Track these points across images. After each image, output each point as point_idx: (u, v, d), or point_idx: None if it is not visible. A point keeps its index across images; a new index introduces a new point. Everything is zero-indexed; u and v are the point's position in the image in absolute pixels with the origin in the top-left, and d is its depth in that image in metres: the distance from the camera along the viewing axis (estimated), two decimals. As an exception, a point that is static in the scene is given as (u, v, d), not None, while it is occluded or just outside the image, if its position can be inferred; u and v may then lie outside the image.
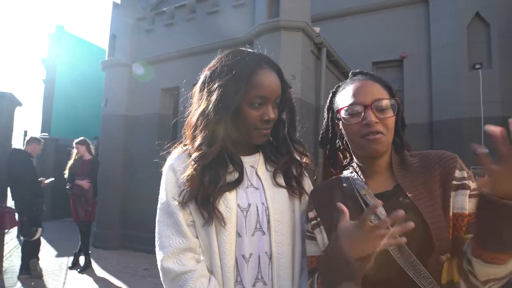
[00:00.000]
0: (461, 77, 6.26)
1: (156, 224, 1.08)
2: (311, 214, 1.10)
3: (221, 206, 1.04)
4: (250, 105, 1.06)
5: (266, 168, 1.18)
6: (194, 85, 1.19)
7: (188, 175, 1.04)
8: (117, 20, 7.72)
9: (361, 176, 1.07)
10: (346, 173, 1.14)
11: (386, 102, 1.00)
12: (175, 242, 1.02)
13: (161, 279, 1.06)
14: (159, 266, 1.05)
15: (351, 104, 1.02)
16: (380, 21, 7.36)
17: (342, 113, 1.05)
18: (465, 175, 0.94)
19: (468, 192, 0.92)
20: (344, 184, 1.10)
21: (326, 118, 1.21)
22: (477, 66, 6.13)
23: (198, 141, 1.08)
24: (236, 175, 1.10)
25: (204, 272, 1.03)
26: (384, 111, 1.00)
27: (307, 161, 1.26)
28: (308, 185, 1.24)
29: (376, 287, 0.95)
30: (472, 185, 0.93)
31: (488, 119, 5.92)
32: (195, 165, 1.05)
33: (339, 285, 0.86)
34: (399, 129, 1.08)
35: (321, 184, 1.19)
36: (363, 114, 0.99)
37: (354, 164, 1.12)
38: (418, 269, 0.88)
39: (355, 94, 1.03)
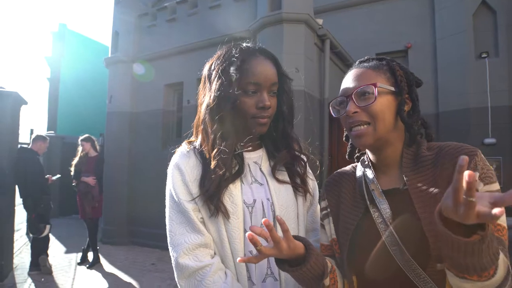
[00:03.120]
0: (467, 67, 6.18)
1: (167, 223, 1.08)
2: (323, 204, 1.11)
3: (227, 202, 1.04)
4: (245, 92, 1.07)
5: (270, 164, 1.18)
6: (198, 80, 1.20)
7: (213, 171, 1.04)
8: (119, 17, 7.71)
9: (372, 170, 1.03)
10: (361, 161, 1.11)
11: (366, 89, 0.94)
12: (190, 239, 1.02)
13: (176, 276, 1.04)
14: (173, 264, 1.03)
15: (336, 98, 1.03)
16: (384, 11, 7.27)
17: (332, 109, 1.05)
18: (477, 177, 0.84)
19: None
20: (357, 176, 1.08)
21: None
22: (484, 55, 6.05)
23: (212, 136, 1.08)
24: (237, 167, 1.10)
25: (220, 265, 1.03)
26: (367, 98, 0.94)
27: (304, 158, 1.25)
28: (312, 180, 1.25)
29: (377, 286, 0.94)
30: (483, 188, 0.83)
31: (495, 109, 5.87)
32: (219, 162, 1.04)
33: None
34: (402, 114, 0.95)
35: (336, 173, 1.17)
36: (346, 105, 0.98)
37: (366, 157, 1.08)
38: (417, 272, 0.86)
39: (342, 86, 1.02)
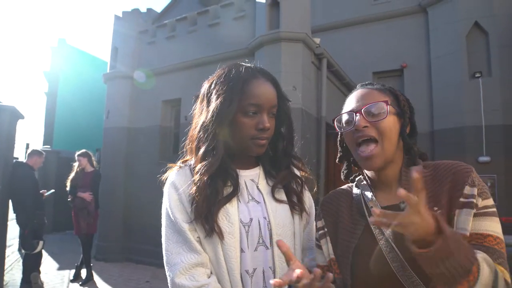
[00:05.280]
0: (461, 86, 6.28)
1: (164, 242, 1.07)
2: (320, 224, 1.10)
3: (223, 221, 1.04)
4: (244, 114, 1.07)
5: (267, 182, 1.18)
6: (195, 97, 1.20)
7: (196, 188, 1.04)
8: (119, 33, 7.79)
9: (371, 187, 1.04)
10: (357, 181, 1.11)
11: (377, 106, 0.97)
12: (187, 258, 1.01)
13: None
14: (169, 284, 1.03)
15: (342, 114, 1.04)
16: (380, 31, 7.43)
17: (336, 124, 1.06)
18: (475, 192, 0.87)
19: (473, 211, 0.86)
20: (354, 194, 1.08)
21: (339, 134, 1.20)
22: (477, 75, 6.15)
23: (202, 152, 1.09)
24: (232, 187, 1.10)
25: (217, 285, 1.02)
26: (376, 115, 0.97)
27: (306, 175, 1.26)
28: (308, 198, 1.25)
29: None
30: (481, 203, 0.86)
31: (489, 128, 5.93)
32: (202, 176, 1.04)
33: None
34: (404, 135, 1.00)
35: (332, 192, 1.17)
36: (354, 120, 0.99)
37: (364, 174, 1.09)
38: None
39: (349, 104, 1.04)
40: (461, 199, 0.87)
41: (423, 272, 0.85)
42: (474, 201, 0.86)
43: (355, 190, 1.09)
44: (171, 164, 1.20)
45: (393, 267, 0.89)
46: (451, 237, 0.70)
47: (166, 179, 1.16)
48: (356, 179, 1.13)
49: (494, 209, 0.87)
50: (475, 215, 0.85)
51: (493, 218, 0.86)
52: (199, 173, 1.05)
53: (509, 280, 0.79)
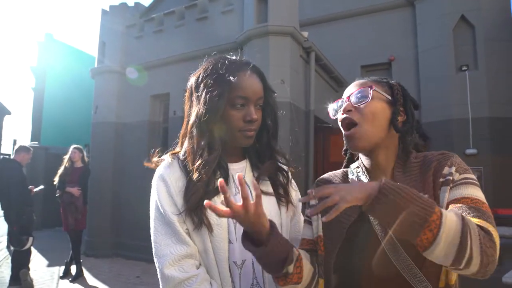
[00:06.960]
0: (448, 79, 6.34)
1: (152, 234, 1.08)
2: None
3: (211, 213, 1.03)
4: (232, 106, 1.08)
5: (254, 175, 1.19)
6: (185, 91, 1.21)
7: (195, 185, 1.05)
8: (107, 27, 7.71)
9: (367, 175, 1.08)
10: (353, 166, 1.15)
11: (362, 91, 1.03)
12: (176, 250, 1.02)
13: (161, 287, 1.04)
14: (159, 275, 1.03)
15: (334, 102, 1.11)
16: (368, 25, 7.45)
17: (330, 111, 1.14)
18: (453, 170, 0.93)
19: (448, 187, 0.92)
20: (350, 177, 1.12)
21: None
22: (464, 68, 6.22)
23: (196, 148, 1.09)
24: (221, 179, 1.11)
25: (206, 276, 1.03)
26: (360, 100, 1.02)
27: (291, 169, 1.28)
28: (294, 191, 1.27)
29: (374, 286, 0.95)
30: (459, 176, 0.92)
31: (476, 120, 6.02)
32: (202, 176, 1.05)
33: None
34: (395, 123, 1.03)
35: (327, 174, 1.22)
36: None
37: (360, 161, 1.13)
38: (414, 272, 0.88)
39: (344, 93, 1.10)
40: (441, 179, 0.93)
41: (414, 253, 0.88)
42: (451, 178, 0.92)
43: (351, 176, 1.12)
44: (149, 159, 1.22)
45: (387, 249, 0.92)
46: (394, 193, 0.76)
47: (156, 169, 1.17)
48: (351, 165, 1.17)
49: (475, 181, 0.92)
50: (451, 188, 0.91)
51: (472, 186, 0.90)
52: (199, 172, 1.06)
53: (492, 232, 0.80)
